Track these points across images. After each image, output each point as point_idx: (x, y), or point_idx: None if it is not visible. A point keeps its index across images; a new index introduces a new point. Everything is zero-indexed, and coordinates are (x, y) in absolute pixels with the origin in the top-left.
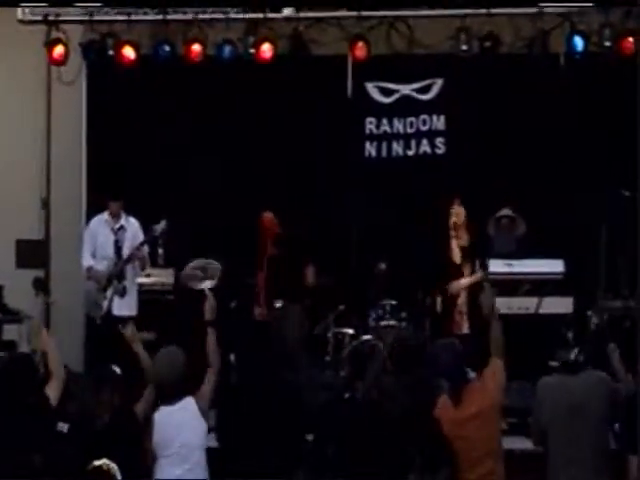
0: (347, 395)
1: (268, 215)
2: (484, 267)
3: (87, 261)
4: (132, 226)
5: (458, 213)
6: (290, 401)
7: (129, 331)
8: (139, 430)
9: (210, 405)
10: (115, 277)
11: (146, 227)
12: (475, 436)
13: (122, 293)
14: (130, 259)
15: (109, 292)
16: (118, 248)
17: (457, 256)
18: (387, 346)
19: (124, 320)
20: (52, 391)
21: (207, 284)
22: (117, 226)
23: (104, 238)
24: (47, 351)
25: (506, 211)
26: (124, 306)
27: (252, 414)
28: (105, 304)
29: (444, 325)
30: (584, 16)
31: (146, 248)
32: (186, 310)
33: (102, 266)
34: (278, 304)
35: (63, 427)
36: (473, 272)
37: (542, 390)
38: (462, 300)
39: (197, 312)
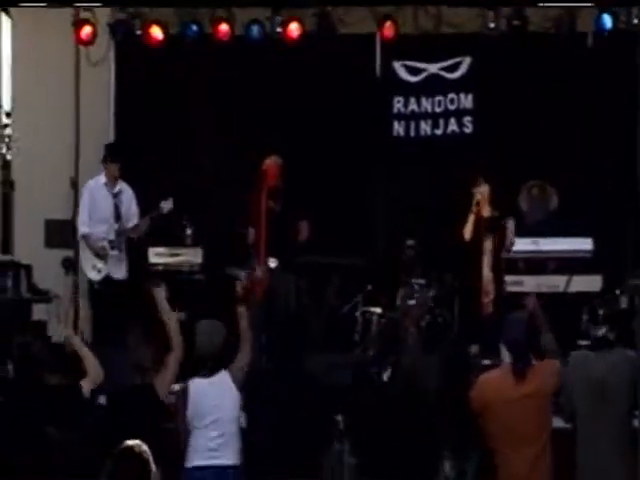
0: (374, 371)
1: (274, 162)
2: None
3: (84, 228)
4: (127, 192)
5: (482, 192)
6: (316, 382)
7: (161, 293)
8: (159, 408)
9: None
10: (116, 247)
11: (156, 203)
12: (525, 416)
13: (119, 259)
14: (133, 230)
15: (109, 259)
16: (118, 213)
17: (468, 233)
18: (415, 325)
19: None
20: (86, 384)
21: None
22: (115, 190)
23: (103, 202)
24: (81, 355)
25: (537, 181)
26: (119, 270)
27: (280, 396)
28: (105, 269)
29: (471, 307)
30: None
31: (147, 222)
32: (217, 291)
33: (100, 230)
34: (272, 264)
35: (101, 399)
36: (495, 244)
37: (571, 367)
38: (488, 280)
39: (228, 293)
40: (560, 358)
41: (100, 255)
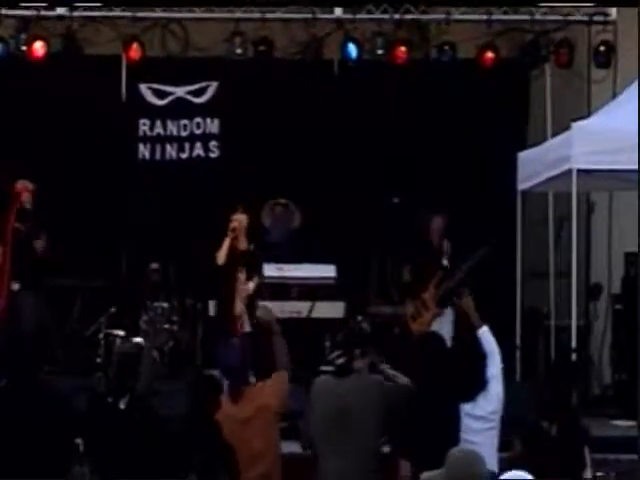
0: (111, 399)
1: (23, 183)
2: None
3: None
4: None
5: (240, 220)
6: (55, 403)
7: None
8: None
9: None
10: None
11: None
12: (252, 435)
13: None
14: None
15: None
16: None
17: (222, 258)
18: (159, 349)
19: None
20: None
21: None
22: None
23: None
24: None
25: (280, 200)
26: None
27: (17, 419)
28: None
29: (227, 324)
30: (357, 24)
31: None
32: None
33: None
34: (15, 286)
35: None
36: (249, 277)
37: (313, 393)
38: (241, 310)
39: None
40: (288, 366)
41: None
